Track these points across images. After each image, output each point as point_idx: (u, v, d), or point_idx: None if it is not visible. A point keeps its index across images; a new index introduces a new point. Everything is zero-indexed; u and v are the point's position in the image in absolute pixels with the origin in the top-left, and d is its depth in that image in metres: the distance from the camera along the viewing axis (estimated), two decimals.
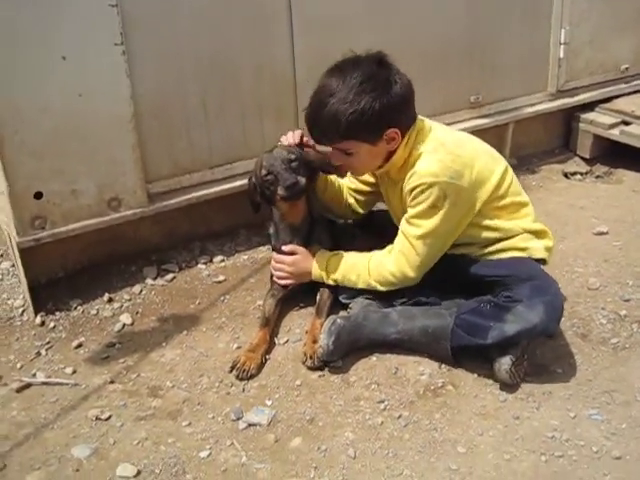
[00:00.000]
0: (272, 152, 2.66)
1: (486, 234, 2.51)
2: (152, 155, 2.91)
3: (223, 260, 3.19)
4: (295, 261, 2.73)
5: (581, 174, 4.13)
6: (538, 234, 2.57)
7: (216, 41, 2.91)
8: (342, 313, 2.63)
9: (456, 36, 3.64)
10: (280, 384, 2.41)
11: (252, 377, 2.43)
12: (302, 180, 2.58)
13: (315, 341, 2.48)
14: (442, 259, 2.52)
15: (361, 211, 2.93)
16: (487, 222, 2.50)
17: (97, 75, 2.62)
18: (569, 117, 4.30)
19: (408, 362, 2.48)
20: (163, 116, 2.90)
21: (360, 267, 2.58)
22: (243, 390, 2.38)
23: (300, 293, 2.81)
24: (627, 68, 4.40)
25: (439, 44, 3.59)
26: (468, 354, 2.42)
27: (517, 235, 2.52)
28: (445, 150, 2.40)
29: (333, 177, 2.88)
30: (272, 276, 2.82)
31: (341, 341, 2.43)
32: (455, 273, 2.54)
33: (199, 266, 3.14)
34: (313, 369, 2.45)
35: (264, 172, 2.62)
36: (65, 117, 2.62)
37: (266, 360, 2.52)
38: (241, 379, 2.42)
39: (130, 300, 2.90)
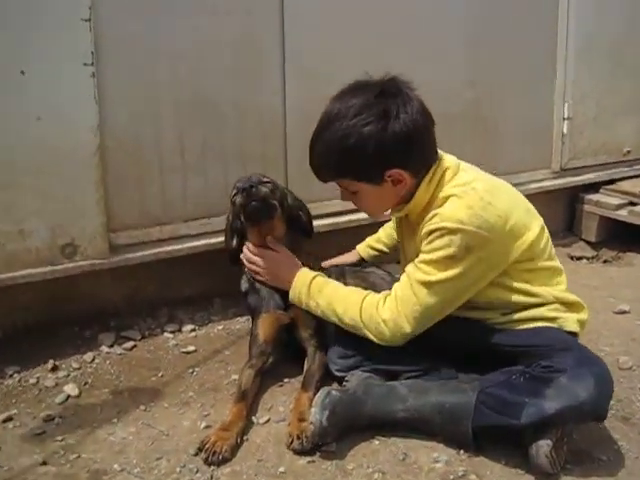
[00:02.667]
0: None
1: (511, 298, 2.13)
2: (118, 198, 2.58)
3: (194, 329, 2.79)
4: (277, 258, 2.43)
5: (587, 259, 3.84)
6: (571, 306, 2.20)
7: (200, 75, 2.67)
8: (336, 386, 2.22)
9: (460, 107, 3.51)
10: (258, 471, 1.94)
11: (224, 461, 1.97)
12: (272, 202, 2.40)
13: (302, 419, 2.06)
14: (452, 324, 2.13)
15: None
16: (514, 284, 2.12)
17: (60, 97, 2.36)
18: (572, 198, 4.11)
19: (419, 447, 2.04)
20: (134, 153, 2.59)
21: (352, 301, 2.20)
22: (211, 477, 1.91)
23: (284, 364, 2.42)
24: (629, 151, 4.30)
25: (443, 113, 3.38)
26: (490, 438, 2.00)
27: (547, 304, 2.15)
28: (476, 195, 2.05)
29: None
30: (250, 346, 2.42)
31: (337, 417, 1.99)
32: (468, 340, 2.14)
33: (165, 334, 2.74)
34: (301, 453, 2.00)
35: (234, 192, 2.45)
36: (19, 142, 2.32)
37: (242, 441, 2.07)
38: (210, 463, 1.95)
39: (79, 369, 2.47)
